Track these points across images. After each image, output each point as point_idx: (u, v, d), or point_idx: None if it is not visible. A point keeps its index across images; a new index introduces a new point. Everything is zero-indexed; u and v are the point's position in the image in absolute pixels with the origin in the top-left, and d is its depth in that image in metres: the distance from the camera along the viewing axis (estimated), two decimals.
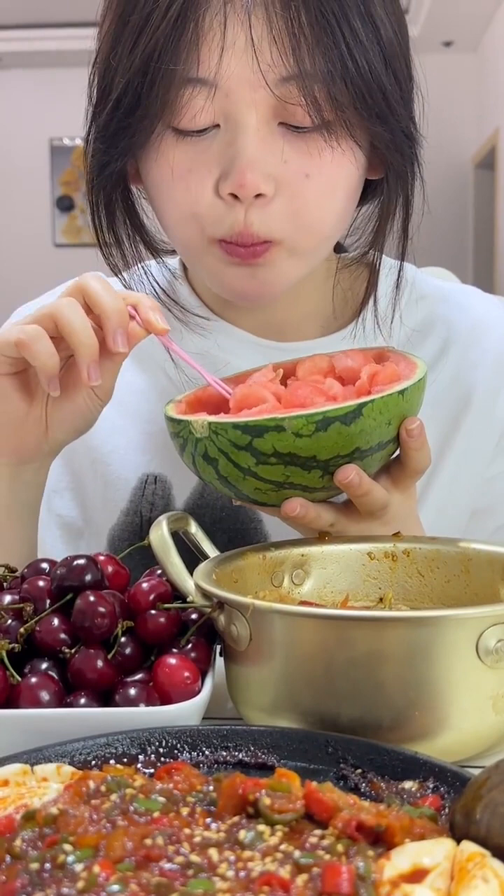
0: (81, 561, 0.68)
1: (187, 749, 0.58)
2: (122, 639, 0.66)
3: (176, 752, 0.58)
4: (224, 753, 0.58)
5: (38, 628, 0.66)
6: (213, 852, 0.44)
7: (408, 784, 0.53)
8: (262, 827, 0.46)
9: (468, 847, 0.44)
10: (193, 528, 0.78)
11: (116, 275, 0.92)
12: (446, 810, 0.50)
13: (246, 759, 0.57)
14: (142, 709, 0.62)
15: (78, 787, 0.49)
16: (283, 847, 0.44)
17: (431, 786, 0.52)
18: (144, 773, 0.55)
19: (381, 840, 0.45)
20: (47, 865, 0.43)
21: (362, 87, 0.77)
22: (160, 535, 0.71)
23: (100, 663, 0.64)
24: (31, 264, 7.26)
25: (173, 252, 0.96)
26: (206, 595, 0.66)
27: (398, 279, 0.93)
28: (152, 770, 0.56)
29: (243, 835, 0.45)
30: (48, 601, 0.68)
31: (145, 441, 0.96)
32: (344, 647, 0.60)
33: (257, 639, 0.62)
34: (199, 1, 0.75)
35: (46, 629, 0.66)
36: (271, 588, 0.76)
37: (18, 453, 0.83)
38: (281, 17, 0.74)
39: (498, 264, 6.46)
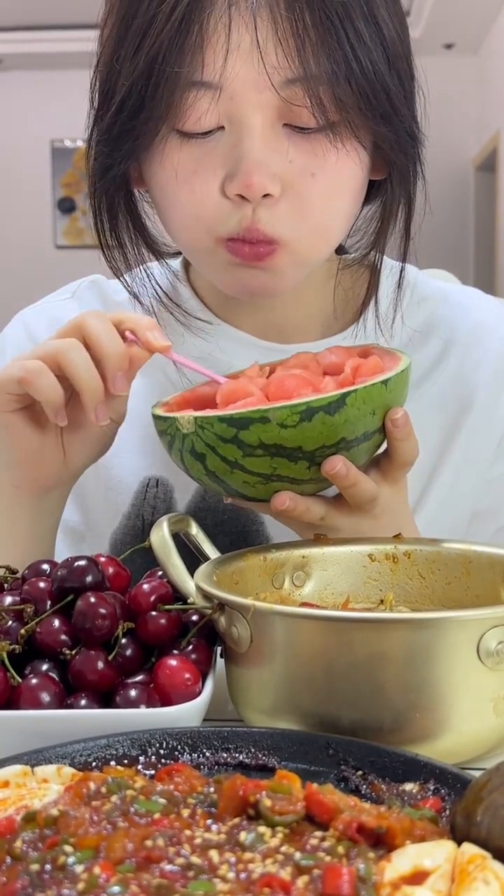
0: (82, 562, 0.68)
1: (188, 750, 0.58)
2: (123, 640, 0.66)
3: (176, 753, 0.58)
4: (225, 755, 0.58)
5: (38, 629, 0.66)
6: (213, 854, 0.44)
7: (408, 786, 0.53)
8: (262, 828, 0.46)
9: (469, 849, 0.44)
10: (194, 530, 0.78)
11: (118, 276, 0.92)
12: (447, 812, 0.50)
13: (247, 760, 0.57)
14: (142, 710, 0.62)
15: (78, 788, 0.49)
16: (283, 849, 0.44)
17: (432, 788, 0.52)
18: (145, 774, 0.55)
19: (382, 842, 0.45)
20: (48, 867, 0.43)
21: (366, 88, 0.77)
22: (161, 536, 0.71)
23: (100, 665, 0.64)
24: (33, 266, 7.26)
25: (176, 254, 0.96)
26: (206, 596, 0.66)
27: (400, 280, 0.93)
28: (153, 771, 0.55)
29: (244, 836, 0.45)
30: (49, 602, 0.68)
31: (146, 444, 0.96)
32: (345, 649, 0.60)
33: (258, 640, 0.62)
34: (203, 3, 0.74)
35: (47, 630, 0.66)
36: (272, 590, 0.76)
37: (39, 483, 0.84)
38: (286, 19, 0.74)
39: (499, 266, 6.46)
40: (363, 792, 0.54)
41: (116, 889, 0.41)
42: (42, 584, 0.69)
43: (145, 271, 0.94)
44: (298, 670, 0.62)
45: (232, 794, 0.48)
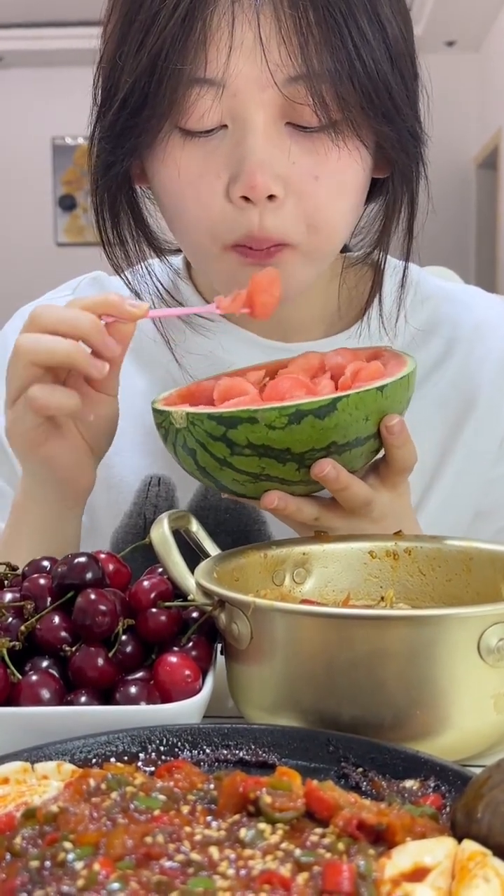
0: (82, 559, 0.68)
1: (188, 747, 0.58)
2: (123, 637, 0.66)
3: (176, 750, 0.58)
4: (225, 752, 0.58)
5: (38, 626, 0.66)
6: (213, 850, 0.44)
7: (409, 783, 0.53)
8: (262, 825, 0.46)
9: (469, 846, 0.44)
10: (195, 527, 0.78)
11: (119, 273, 0.92)
12: (447, 809, 0.49)
13: (247, 757, 0.57)
14: (142, 707, 0.62)
15: (78, 785, 0.49)
16: (283, 845, 0.44)
17: (432, 784, 0.52)
18: (145, 771, 0.55)
19: (382, 839, 0.45)
20: (47, 863, 0.43)
21: (369, 87, 0.77)
22: (161, 533, 0.71)
23: (100, 661, 0.64)
24: (34, 263, 7.26)
25: (177, 251, 0.96)
26: (207, 593, 0.66)
27: (403, 279, 0.92)
28: (153, 768, 0.55)
29: (244, 833, 0.45)
30: (49, 599, 0.68)
31: (148, 443, 0.96)
32: (345, 646, 0.60)
33: (258, 637, 0.62)
34: (206, 1, 0.74)
35: (47, 627, 0.66)
36: (272, 587, 0.76)
37: (83, 488, 0.85)
38: (289, 17, 0.74)
39: (500, 264, 6.45)
40: (363, 789, 0.54)
41: (116, 886, 0.41)
42: (42, 581, 0.69)
43: (147, 268, 0.94)
44: (299, 667, 0.62)
45: (232, 790, 0.48)
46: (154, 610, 0.68)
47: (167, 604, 0.68)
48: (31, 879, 0.42)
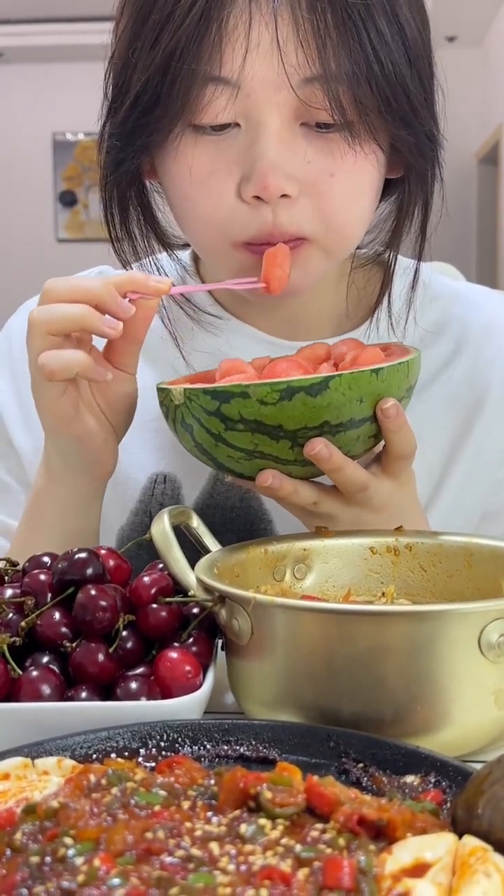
0: (82, 555, 0.68)
1: (188, 743, 0.58)
2: (124, 633, 0.66)
3: (177, 745, 0.58)
4: (225, 747, 0.58)
5: (39, 622, 0.66)
6: (214, 846, 0.44)
7: (409, 778, 0.53)
8: (263, 821, 0.46)
9: (470, 841, 0.44)
10: (195, 523, 0.78)
11: (125, 267, 0.92)
12: (448, 805, 0.49)
13: (247, 752, 0.57)
14: (143, 703, 0.62)
15: (79, 780, 0.49)
16: (284, 841, 0.44)
17: (433, 780, 0.52)
18: (145, 766, 0.55)
19: (383, 834, 0.45)
20: (48, 859, 0.43)
21: (387, 90, 0.76)
22: (162, 528, 0.71)
23: (101, 657, 0.64)
24: (34, 259, 7.26)
25: (185, 246, 0.96)
26: (207, 589, 0.66)
27: (414, 281, 0.92)
28: (153, 764, 0.55)
29: (244, 829, 0.45)
30: (49, 595, 0.68)
31: (155, 440, 0.96)
32: (346, 642, 0.60)
33: (259, 633, 0.62)
34: (223, 1, 0.73)
35: (47, 623, 0.66)
36: (273, 582, 0.76)
37: (108, 468, 0.86)
38: (307, 19, 0.73)
39: (501, 259, 6.45)
40: (364, 784, 0.54)
41: (116, 881, 0.41)
42: (42, 577, 0.69)
43: (155, 264, 0.94)
44: (299, 663, 0.62)
45: (232, 786, 0.48)
46: (154, 606, 0.68)
47: (168, 599, 0.68)
48: (31, 875, 0.42)
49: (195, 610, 0.69)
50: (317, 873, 0.42)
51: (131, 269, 0.92)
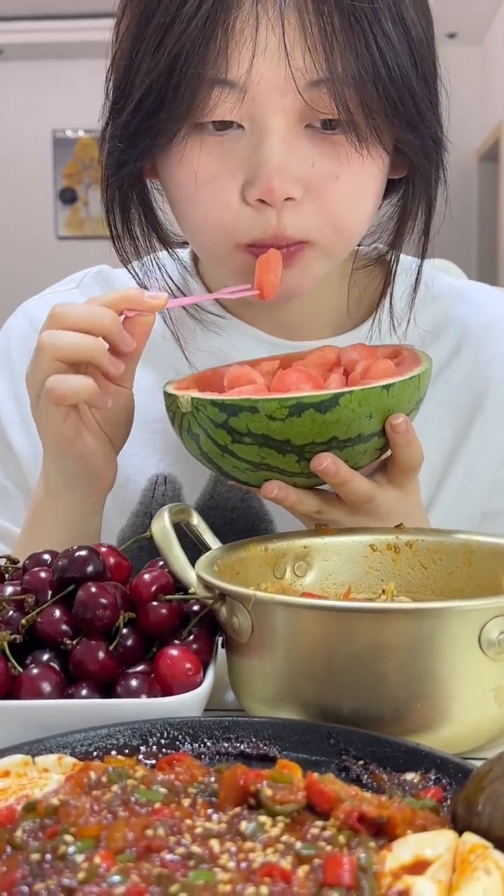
0: (83, 552, 0.68)
1: (189, 740, 0.58)
2: (124, 630, 0.66)
3: (177, 743, 0.58)
4: (226, 745, 0.58)
5: (39, 619, 0.66)
6: (214, 843, 0.44)
7: (410, 776, 0.53)
8: (263, 818, 0.46)
9: (470, 839, 0.44)
10: (195, 520, 0.78)
11: (126, 265, 0.92)
12: (448, 802, 0.49)
13: (247, 750, 0.57)
14: (143, 700, 0.62)
15: (79, 777, 0.49)
16: (284, 838, 0.44)
17: (433, 777, 0.52)
18: (146, 764, 0.55)
19: (383, 831, 0.45)
20: (48, 856, 0.43)
21: (394, 94, 0.75)
22: (162, 526, 0.71)
23: (101, 655, 0.64)
24: (34, 257, 7.25)
25: (185, 244, 0.96)
26: (207, 586, 0.66)
27: (416, 283, 0.91)
28: (154, 761, 0.55)
29: (245, 826, 0.45)
30: (50, 592, 0.68)
31: (154, 441, 0.95)
32: (346, 639, 0.60)
33: (259, 630, 0.62)
34: (229, 4, 0.73)
35: (48, 620, 0.66)
36: (273, 580, 0.76)
37: (108, 482, 0.85)
38: (314, 23, 0.73)
39: (501, 257, 6.45)
40: (364, 781, 0.54)
41: (117, 878, 0.41)
42: (43, 574, 0.69)
43: (155, 262, 0.93)
44: (300, 660, 0.62)
45: (233, 783, 0.48)
46: (155, 603, 0.68)
47: (168, 597, 0.68)
48: (31, 872, 0.42)
49: (195, 607, 0.69)
50: (317, 870, 0.42)
51: (131, 268, 0.92)
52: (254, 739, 0.58)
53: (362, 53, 0.74)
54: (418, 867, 0.42)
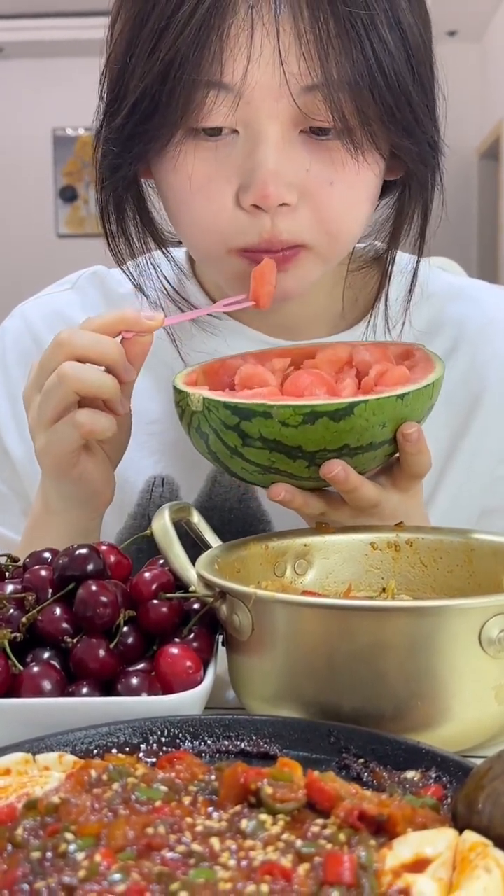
0: (83, 550, 0.68)
1: (189, 738, 0.58)
2: (125, 628, 0.66)
3: (178, 741, 0.58)
4: (226, 743, 0.58)
5: (40, 618, 0.66)
6: (214, 841, 0.44)
7: (410, 774, 0.53)
8: (263, 816, 0.46)
9: (470, 837, 0.44)
10: (196, 518, 0.78)
11: (120, 265, 0.92)
12: (448, 800, 0.50)
13: (248, 748, 0.57)
14: (144, 698, 0.62)
15: (80, 776, 0.49)
16: (284, 836, 0.44)
17: (434, 775, 0.52)
18: (146, 762, 0.55)
19: (383, 829, 0.45)
20: (49, 854, 0.43)
21: (390, 99, 0.75)
22: (162, 524, 0.71)
23: (102, 653, 0.64)
24: (35, 255, 7.25)
25: (181, 243, 0.96)
26: (208, 585, 0.66)
27: (411, 286, 0.91)
28: (154, 759, 0.56)
29: (245, 824, 0.45)
30: (50, 591, 0.68)
31: (151, 443, 0.95)
32: (346, 637, 0.60)
33: (259, 629, 0.62)
34: (224, 11, 0.72)
35: (48, 619, 0.66)
36: (274, 578, 0.76)
37: (107, 500, 0.85)
38: (310, 30, 0.72)
39: (501, 255, 6.44)
40: (364, 780, 0.54)
41: (117, 876, 0.41)
42: (43, 573, 0.69)
43: (150, 262, 0.93)
44: (300, 658, 0.62)
45: (233, 781, 0.48)
46: (155, 601, 0.68)
47: (168, 595, 0.68)
48: (32, 870, 0.42)
49: (196, 606, 0.69)
50: (317, 868, 0.42)
51: (126, 268, 0.91)
52: (254, 738, 0.58)
53: (358, 59, 0.73)
54: (419, 865, 0.42)
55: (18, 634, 0.65)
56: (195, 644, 0.66)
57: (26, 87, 7.42)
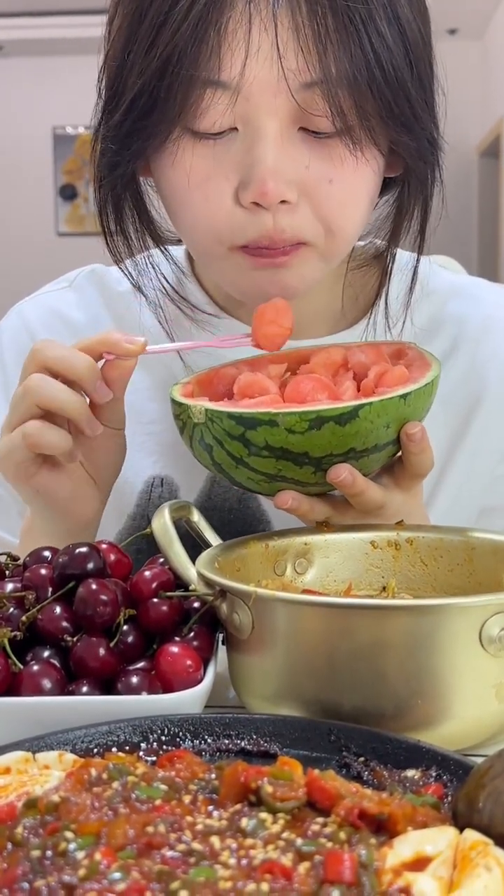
0: (83, 549, 0.68)
1: (189, 737, 0.58)
2: (125, 627, 0.66)
3: (178, 740, 0.58)
4: (226, 741, 0.58)
5: (40, 616, 0.66)
6: (214, 840, 0.44)
7: (410, 772, 0.53)
8: (264, 815, 0.46)
9: (471, 835, 0.44)
10: (196, 517, 0.78)
11: (118, 264, 0.91)
12: (449, 799, 0.49)
13: (248, 747, 0.57)
14: (144, 697, 0.62)
15: (80, 774, 0.49)
16: (285, 835, 0.44)
17: (434, 774, 0.52)
18: (146, 760, 0.55)
19: (384, 828, 0.45)
20: (49, 853, 0.43)
21: (388, 95, 0.75)
22: (162, 523, 0.71)
23: (102, 651, 0.64)
24: (34, 253, 7.25)
25: (180, 241, 0.95)
26: (208, 583, 0.66)
27: (412, 283, 0.91)
28: (154, 758, 0.55)
29: (245, 823, 0.45)
30: (50, 589, 0.68)
31: (150, 443, 0.95)
32: (346, 636, 0.60)
33: (260, 627, 0.62)
34: (221, 4, 0.72)
35: (48, 617, 0.66)
36: (274, 577, 0.76)
37: (86, 518, 0.84)
38: (308, 24, 0.72)
39: (502, 253, 6.44)
40: (365, 778, 0.54)
41: (117, 875, 0.41)
42: (43, 571, 0.69)
43: (148, 261, 0.93)
44: (300, 657, 0.62)
45: (233, 780, 0.48)
46: (155, 600, 0.67)
47: (168, 594, 0.68)
48: (32, 869, 0.42)
49: (196, 604, 0.69)
50: (318, 867, 0.42)
51: (125, 266, 0.91)
52: (254, 736, 0.58)
53: (356, 54, 0.73)
54: (419, 864, 0.42)
55: (18, 633, 0.65)
56: (195, 643, 0.66)
57: (26, 86, 7.42)
